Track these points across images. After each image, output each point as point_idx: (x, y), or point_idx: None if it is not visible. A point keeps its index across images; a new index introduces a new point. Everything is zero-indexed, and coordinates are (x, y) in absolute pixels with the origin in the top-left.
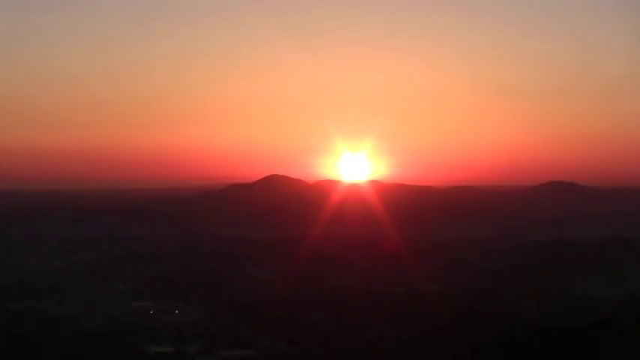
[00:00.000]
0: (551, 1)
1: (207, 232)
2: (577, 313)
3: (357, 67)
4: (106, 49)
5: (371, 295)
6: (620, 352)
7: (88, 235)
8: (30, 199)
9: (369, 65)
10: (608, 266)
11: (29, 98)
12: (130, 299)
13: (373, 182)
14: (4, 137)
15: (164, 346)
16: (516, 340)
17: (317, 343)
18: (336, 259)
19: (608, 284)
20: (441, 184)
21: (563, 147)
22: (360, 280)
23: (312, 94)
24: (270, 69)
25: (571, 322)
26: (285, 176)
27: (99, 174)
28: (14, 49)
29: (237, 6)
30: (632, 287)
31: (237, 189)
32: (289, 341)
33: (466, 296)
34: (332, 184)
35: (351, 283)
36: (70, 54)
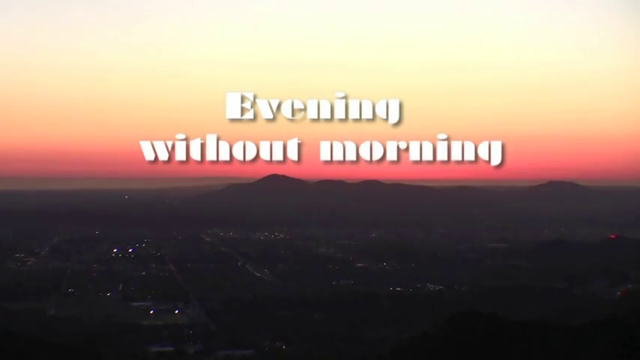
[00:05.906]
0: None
1: (207, 232)
2: (577, 313)
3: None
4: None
5: (371, 295)
6: (620, 352)
7: (88, 235)
8: (30, 199)
9: (369, 61)
10: (608, 266)
11: (27, 97)
12: (130, 299)
13: (373, 182)
14: (3, 136)
15: (164, 346)
16: (516, 341)
17: (317, 343)
18: (336, 259)
19: (608, 284)
20: (441, 184)
21: (563, 147)
22: (359, 280)
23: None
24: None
25: (571, 322)
26: (285, 176)
27: (99, 173)
28: None
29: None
30: (632, 287)
31: (237, 189)
32: (289, 341)
33: (466, 296)
34: (332, 184)
35: (351, 283)
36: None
